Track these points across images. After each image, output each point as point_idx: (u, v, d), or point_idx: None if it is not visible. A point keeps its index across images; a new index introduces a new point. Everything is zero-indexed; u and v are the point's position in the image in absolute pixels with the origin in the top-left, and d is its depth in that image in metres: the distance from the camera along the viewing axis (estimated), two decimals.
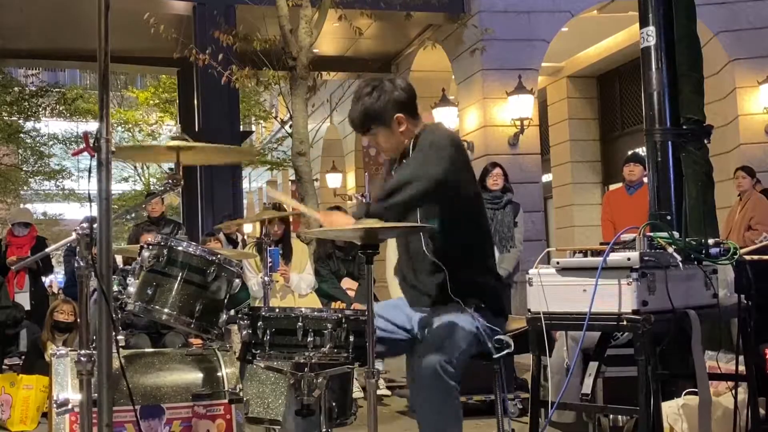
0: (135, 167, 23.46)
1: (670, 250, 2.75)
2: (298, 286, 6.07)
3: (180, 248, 2.94)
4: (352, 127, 3.14)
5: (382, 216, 2.73)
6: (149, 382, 3.11)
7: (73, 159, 21.92)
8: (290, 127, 9.18)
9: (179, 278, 2.90)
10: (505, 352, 2.89)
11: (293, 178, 11.16)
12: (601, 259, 2.66)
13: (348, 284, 6.58)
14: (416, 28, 12.37)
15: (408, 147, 3.04)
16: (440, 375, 2.71)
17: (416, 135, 3.04)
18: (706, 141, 4.30)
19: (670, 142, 4.22)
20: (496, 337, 2.89)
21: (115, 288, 2.91)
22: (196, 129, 11.02)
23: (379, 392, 5.89)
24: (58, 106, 19.51)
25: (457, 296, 2.89)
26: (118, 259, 6.18)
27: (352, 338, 2.66)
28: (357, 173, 16.65)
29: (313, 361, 2.65)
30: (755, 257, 3.42)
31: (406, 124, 3.02)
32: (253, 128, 23.70)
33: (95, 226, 2.20)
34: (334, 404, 2.88)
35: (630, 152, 8.93)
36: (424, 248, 2.95)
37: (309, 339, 2.63)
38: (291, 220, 7.04)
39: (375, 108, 2.99)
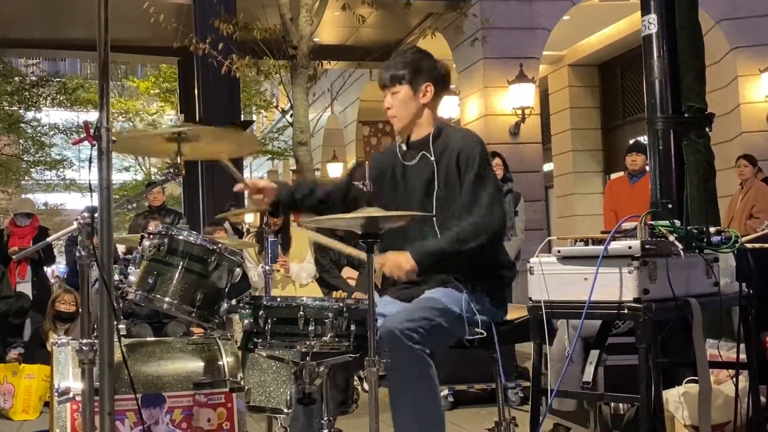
0: (136, 157, 23.45)
1: (672, 238, 2.74)
2: (298, 276, 6.07)
3: (181, 237, 2.94)
4: (380, 81, 3.13)
5: (443, 260, 2.87)
6: (150, 370, 3.12)
7: (74, 149, 21.92)
8: (291, 116, 9.18)
9: (180, 267, 2.90)
10: (475, 337, 2.90)
11: (294, 167, 11.15)
12: (602, 247, 2.66)
13: (348, 273, 6.57)
14: (417, 16, 12.34)
15: (428, 137, 3.05)
16: (403, 341, 2.68)
17: (439, 130, 3.06)
18: (707, 129, 4.29)
19: (671, 131, 4.22)
20: (473, 321, 2.89)
21: (116, 277, 2.91)
22: (197, 118, 11.01)
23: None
24: (58, 96, 19.50)
25: (457, 279, 2.91)
26: (120, 248, 6.18)
27: (353, 327, 2.66)
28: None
29: (314, 350, 2.66)
30: (757, 245, 3.43)
31: (430, 98, 3.06)
32: (254, 118, 23.68)
33: (96, 215, 2.20)
34: (335, 393, 2.89)
35: (632, 141, 8.92)
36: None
37: (310, 328, 2.63)
38: None
39: (413, 65, 3.04)
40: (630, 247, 2.61)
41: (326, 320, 2.63)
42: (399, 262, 2.88)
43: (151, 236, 2.92)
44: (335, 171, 17.01)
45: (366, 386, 2.79)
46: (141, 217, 7.54)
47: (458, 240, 2.87)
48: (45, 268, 8.79)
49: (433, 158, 3.03)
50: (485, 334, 2.90)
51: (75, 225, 2.39)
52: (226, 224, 7.98)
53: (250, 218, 10.09)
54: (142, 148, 3.15)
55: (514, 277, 3.16)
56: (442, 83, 3.10)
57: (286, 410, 3.17)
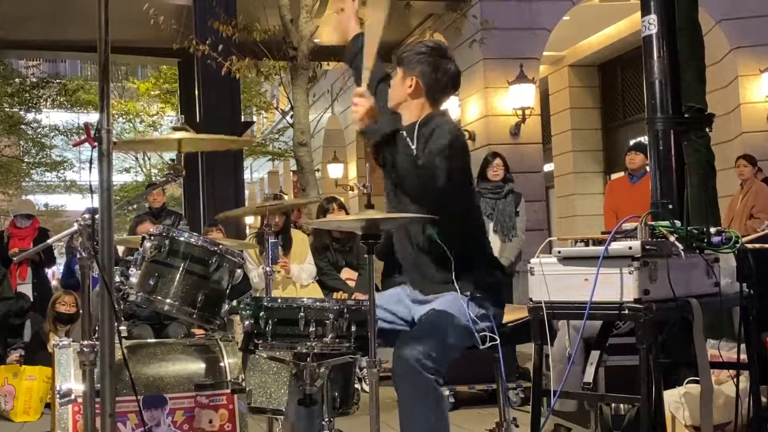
0: (136, 158, 23.48)
1: (672, 238, 2.75)
2: (299, 277, 6.07)
3: (182, 239, 2.95)
4: None
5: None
6: (152, 372, 3.12)
7: (75, 150, 21.94)
8: (291, 117, 9.18)
9: (181, 269, 2.90)
10: (489, 344, 2.88)
11: (294, 168, 11.15)
12: (602, 248, 2.66)
13: (347, 274, 6.56)
14: (417, 17, 12.34)
15: (413, 126, 3.01)
16: (417, 370, 2.67)
17: (426, 119, 3.02)
18: (707, 129, 4.29)
19: (671, 131, 4.22)
20: (480, 329, 2.87)
21: (117, 279, 2.91)
22: (198, 120, 11.01)
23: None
24: (59, 97, 19.50)
25: (455, 284, 2.89)
26: (120, 249, 6.18)
27: (353, 328, 2.66)
28: (358, 163, 16.64)
29: (315, 351, 2.66)
30: (757, 245, 3.42)
31: (412, 91, 3.05)
32: (255, 119, 23.68)
33: (97, 217, 2.21)
34: (336, 394, 2.89)
35: (632, 141, 8.93)
36: (435, 237, 2.94)
37: (311, 329, 2.63)
38: (292, 211, 7.02)
39: (412, 54, 3.09)
40: (630, 248, 2.61)
41: (327, 321, 2.63)
42: (361, 108, 2.84)
43: (152, 237, 2.92)
44: (336, 171, 17.01)
45: (366, 387, 2.79)
46: (141, 219, 7.54)
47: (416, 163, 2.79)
48: (45, 270, 8.79)
49: (414, 146, 3.01)
50: (498, 340, 2.89)
51: (75, 226, 2.39)
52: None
53: (251, 219, 10.04)
54: (143, 145, 3.12)
55: (509, 276, 3.13)
56: (432, 79, 3.04)
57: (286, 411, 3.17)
